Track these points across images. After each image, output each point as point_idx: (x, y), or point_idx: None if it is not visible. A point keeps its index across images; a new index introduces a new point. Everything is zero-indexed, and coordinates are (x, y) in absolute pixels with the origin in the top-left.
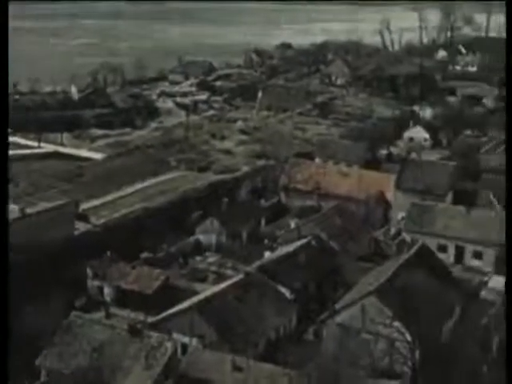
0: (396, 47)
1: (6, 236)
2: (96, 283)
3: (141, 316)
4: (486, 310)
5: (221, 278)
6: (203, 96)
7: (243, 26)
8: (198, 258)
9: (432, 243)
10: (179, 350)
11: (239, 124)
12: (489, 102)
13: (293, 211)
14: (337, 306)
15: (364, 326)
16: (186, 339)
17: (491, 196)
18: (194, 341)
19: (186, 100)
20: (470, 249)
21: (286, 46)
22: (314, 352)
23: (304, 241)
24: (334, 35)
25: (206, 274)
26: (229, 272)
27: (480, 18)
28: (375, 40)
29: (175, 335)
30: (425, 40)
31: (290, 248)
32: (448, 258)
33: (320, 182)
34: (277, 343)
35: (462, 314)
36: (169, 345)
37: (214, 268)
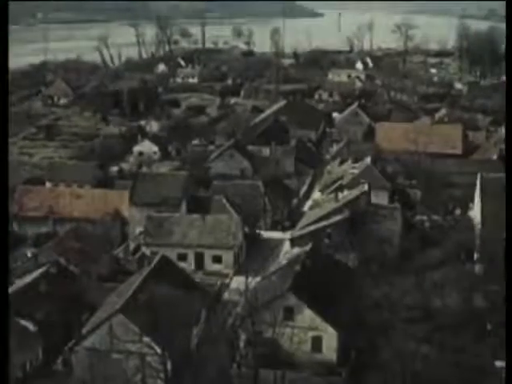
0: (116, 63)
1: (7, 234)
2: None
3: None
4: (230, 311)
5: None
6: None
7: None
8: None
9: (172, 253)
10: None
11: None
12: (212, 111)
13: (28, 240)
14: (83, 331)
15: (113, 346)
16: None
17: (223, 201)
18: None
19: None
20: (209, 254)
21: None
22: (65, 382)
23: (42, 269)
24: (52, 54)
25: None
26: None
27: (195, 31)
28: (95, 57)
29: None
30: (144, 55)
31: (28, 279)
32: (189, 265)
33: (53, 207)
34: (25, 380)
35: (208, 317)
36: None
37: None
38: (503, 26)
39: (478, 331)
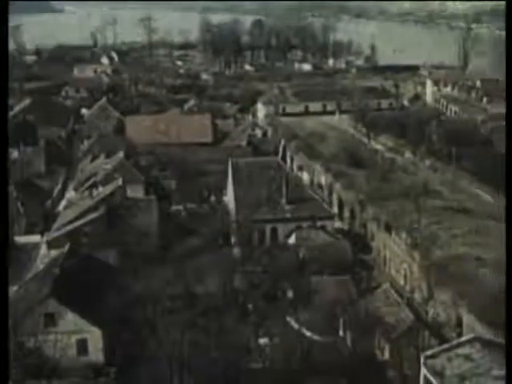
0: None
1: (7, 234)
2: None
3: None
4: None
5: None
6: None
7: None
8: None
9: None
10: None
11: None
12: None
13: None
14: None
15: None
16: None
17: None
18: None
19: None
20: None
21: None
22: None
23: None
24: None
25: None
26: None
27: None
28: None
29: None
30: None
31: None
32: None
33: None
34: None
35: None
36: None
37: None
38: (244, 17)
39: (240, 311)
